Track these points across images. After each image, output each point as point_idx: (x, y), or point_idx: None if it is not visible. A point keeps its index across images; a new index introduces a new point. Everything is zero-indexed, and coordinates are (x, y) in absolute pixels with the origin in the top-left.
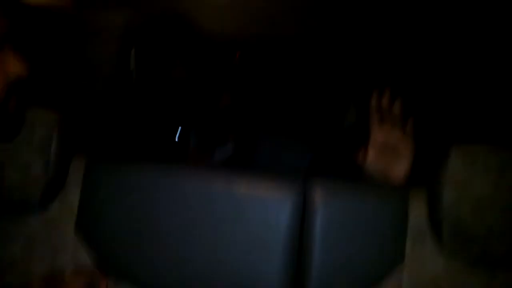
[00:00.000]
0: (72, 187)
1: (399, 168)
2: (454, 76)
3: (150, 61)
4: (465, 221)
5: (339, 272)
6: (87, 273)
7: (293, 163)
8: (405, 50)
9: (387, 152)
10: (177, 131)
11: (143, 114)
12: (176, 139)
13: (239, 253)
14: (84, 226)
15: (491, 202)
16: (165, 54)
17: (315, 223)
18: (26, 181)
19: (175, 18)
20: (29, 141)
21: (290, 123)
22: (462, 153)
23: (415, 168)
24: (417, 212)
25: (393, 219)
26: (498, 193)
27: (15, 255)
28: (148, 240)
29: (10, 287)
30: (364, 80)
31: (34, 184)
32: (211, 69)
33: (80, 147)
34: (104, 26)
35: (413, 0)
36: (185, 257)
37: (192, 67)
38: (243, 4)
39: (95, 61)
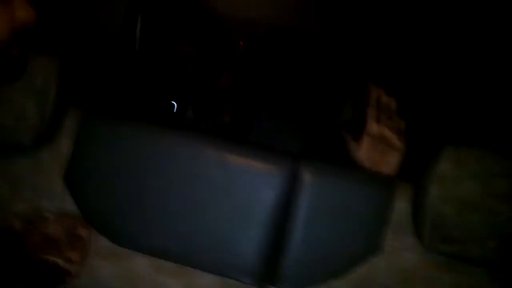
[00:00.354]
0: (65, 137)
1: (390, 161)
2: (452, 77)
3: (156, 32)
4: (447, 220)
5: (315, 252)
6: (69, 219)
7: (286, 147)
8: (402, 49)
9: (380, 145)
10: (174, 100)
11: (142, 80)
12: (172, 108)
13: (222, 219)
14: (72, 176)
15: (476, 206)
16: (172, 27)
17: (300, 201)
18: (20, 125)
19: None
20: (27, 85)
21: (286, 108)
22: (454, 154)
23: (405, 164)
24: (402, 205)
25: (378, 208)
26: (484, 198)
27: (1, 194)
28: (133, 197)
29: None
30: (361, 75)
31: (28, 128)
32: (215, 49)
33: (78, 99)
34: None
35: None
36: (169, 217)
37: (198, 44)
38: None
39: (102, 19)
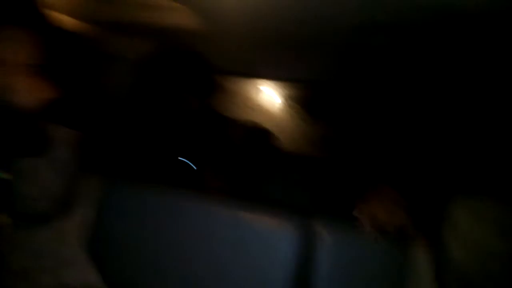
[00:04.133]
0: (84, 204)
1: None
2: (459, 130)
3: (162, 91)
4: (466, 269)
5: None
6: None
7: (294, 201)
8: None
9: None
10: (181, 156)
11: (151, 138)
12: (180, 165)
13: (240, 279)
14: (92, 242)
15: (494, 253)
16: (176, 85)
17: (318, 260)
18: (41, 195)
19: (189, 52)
20: (49, 157)
21: (294, 163)
22: (468, 203)
23: (418, 219)
24: (420, 257)
25: (396, 262)
26: (502, 246)
27: (25, 264)
28: (154, 263)
29: None
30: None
31: (48, 198)
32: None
33: (97, 167)
34: (125, 53)
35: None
36: (190, 280)
37: (202, 100)
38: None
39: (113, 84)
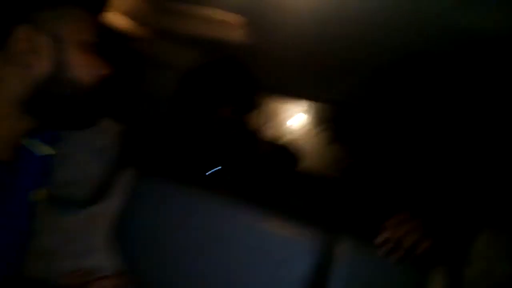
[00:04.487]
0: (118, 194)
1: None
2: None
3: (206, 98)
4: None
5: None
6: (112, 279)
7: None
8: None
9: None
10: (213, 166)
11: (187, 144)
12: (211, 173)
13: (255, 285)
14: (120, 231)
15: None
16: (218, 95)
17: (333, 275)
18: (79, 180)
19: (233, 63)
20: (90, 144)
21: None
22: (487, 235)
23: (440, 247)
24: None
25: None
26: None
27: (51, 246)
28: (173, 258)
29: (42, 275)
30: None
31: (86, 184)
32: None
33: (132, 160)
34: (173, 60)
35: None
36: (206, 281)
37: (241, 110)
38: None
39: (158, 89)
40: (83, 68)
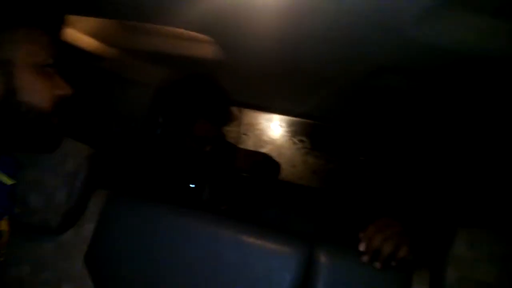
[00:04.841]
0: (89, 219)
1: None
2: (463, 161)
3: (176, 117)
4: None
5: None
6: None
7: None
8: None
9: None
10: (192, 182)
11: (163, 162)
12: (190, 190)
13: None
14: (93, 257)
15: (488, 282)
16: (190, 111)
17: (317, 284)
18: (49, 207)
19: (204, 79)
20: (59, 169)
21: (299, 192)
22: (467, 236)
23: (419, 249)
24: None
25: None
26: (502, 281)
27: (24, 276)
28: (152, 280)
29: None
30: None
31: (55, 210)
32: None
33: (103, 182)
34: (143, 78)
35: None
36: None
37: (214, 125)
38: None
39: (129, 107)
40: (38, 91)
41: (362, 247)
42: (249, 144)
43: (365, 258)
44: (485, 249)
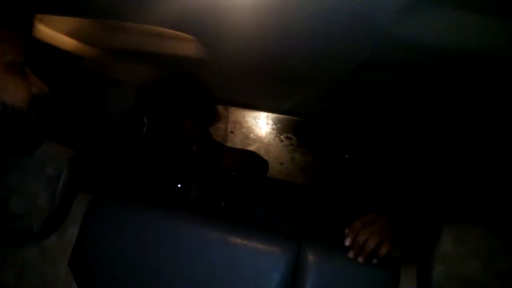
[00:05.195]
0: (73, 222)
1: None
2: (450, 158)
3: (161, 116)
4: None
5: None
6: None
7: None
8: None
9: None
10: (179, 182)
11: (149, 162)
12: (177, 190)
13: None
14: (78, 261)
15: (480, 284)
16: (174, 110)
17: (306, 282)
18: (30, 211)
19: (187, 78)
20: (40, 173)
21: (288, 190)
22: (454, 231)
23: (407, 244)
24: (407, 286)
25: None
26: (488, 276)
27: (8, 282)
28: (139, 283)
29: None
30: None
31: (37, 215)
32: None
33: (86, 185)
34: (125, 77)
35: None
36: None
37: (200, 125)
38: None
39: (112, 107)
40: (12, 90)
41: (347, 242)
42: (236, 142)
43: (351, 254)
44: (471, 245)
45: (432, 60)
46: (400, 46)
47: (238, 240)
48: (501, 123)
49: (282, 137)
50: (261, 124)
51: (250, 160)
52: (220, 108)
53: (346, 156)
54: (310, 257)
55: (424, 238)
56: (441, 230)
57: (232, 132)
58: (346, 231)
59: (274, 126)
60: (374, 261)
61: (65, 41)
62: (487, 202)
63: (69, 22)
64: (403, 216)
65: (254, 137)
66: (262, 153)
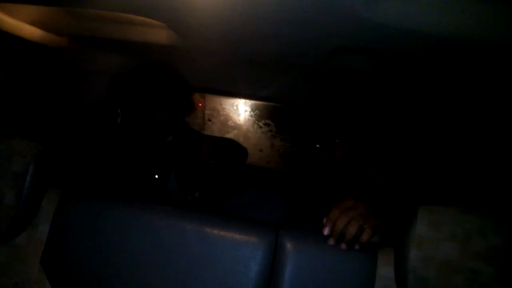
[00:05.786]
0: (43, 220)
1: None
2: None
3: (135, 106)
4: (429, 283)
5: None
6: None
7: (269, 216)
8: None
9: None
10: (156, 173)
11: (124, 154)
12: (155, 181)
13: None
14: (51, 259)
15: (457, 267)
16: (147, 101)
17: (284, 270)
18: None
19: (159, 67)
20: (4, 170)
21: (268, 177)
22: (429, 214)
23: (385, 229)
24: (384, 270)
25: (360, 274)
26: (464, 258)
27: None
28: (114, 279)
29: None
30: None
31: (4, 214)
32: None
33: (56, 181)
34: (97, 67)
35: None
36: None
37: (174, 114)
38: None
39: (83, 98)
40: None
41: (326, 231)
42: (214, 130)
43: (331, 241)
44: (447, 227)
45: (407, 45)
46: (373, 31)
47: (216, 231)
48: (474, 106)
49: (260, 123)
50: (239, 111)
51: (229, 148)
52: (197, 96)
53: (317, 145)
54: (288, 245)
55: (400, 221)
56: (416, 214)
57: (209, 120)
58: (324, 220)
59: (252, 113)
60: (356, 246)
61: (29, 31)
62: (462, 183)
63: (32, 10)
64: (379, 201)
65: (233, 124)
66: (241, 140)
